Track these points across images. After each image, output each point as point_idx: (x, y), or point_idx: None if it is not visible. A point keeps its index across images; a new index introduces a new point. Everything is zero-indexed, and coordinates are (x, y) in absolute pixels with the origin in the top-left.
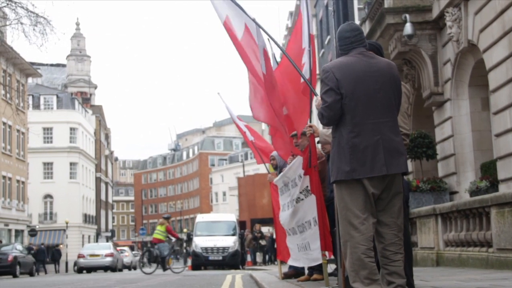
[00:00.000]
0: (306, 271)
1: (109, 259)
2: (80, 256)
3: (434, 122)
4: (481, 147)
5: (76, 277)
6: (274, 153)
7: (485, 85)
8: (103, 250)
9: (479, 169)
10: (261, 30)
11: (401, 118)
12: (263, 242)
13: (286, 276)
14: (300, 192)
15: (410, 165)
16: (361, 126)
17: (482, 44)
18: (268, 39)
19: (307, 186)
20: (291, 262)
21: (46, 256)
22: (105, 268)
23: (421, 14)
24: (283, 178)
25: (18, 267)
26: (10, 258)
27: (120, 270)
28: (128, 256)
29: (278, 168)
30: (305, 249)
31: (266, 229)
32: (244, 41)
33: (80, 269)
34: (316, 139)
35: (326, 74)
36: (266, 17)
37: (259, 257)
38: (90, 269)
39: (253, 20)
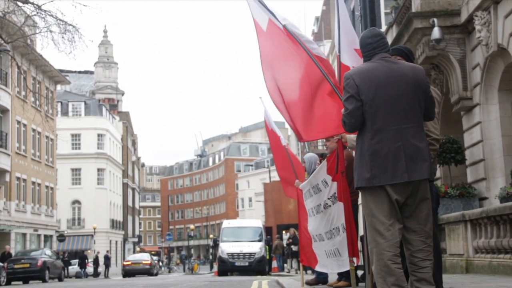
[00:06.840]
0: (329, 280)
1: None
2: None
3: (462, 127)
4: (511, 152)
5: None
6: (306, 156)
7: None
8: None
9: (510, 174)
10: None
11: (431, 123)
12: (295, 248)
13: (308, 284)
14: (328, 198)
15: (439, 170)
16: (382, 132)
17: None
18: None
19: (335, 193)
20: (319, 268)
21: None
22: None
23: (449, 18)
24: (309, 183)
25: (47, 271)
26: (39, 263)
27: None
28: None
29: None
30: (334, 255)
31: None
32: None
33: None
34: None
35: (347, 81)
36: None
37: (289, 263)
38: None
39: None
